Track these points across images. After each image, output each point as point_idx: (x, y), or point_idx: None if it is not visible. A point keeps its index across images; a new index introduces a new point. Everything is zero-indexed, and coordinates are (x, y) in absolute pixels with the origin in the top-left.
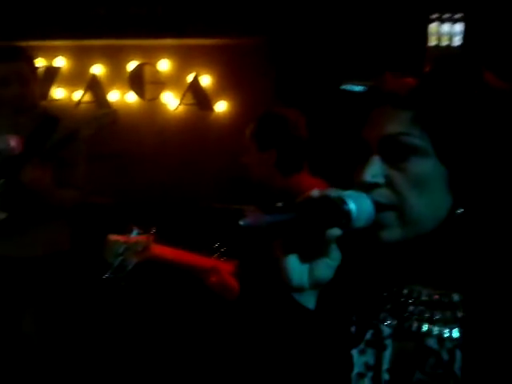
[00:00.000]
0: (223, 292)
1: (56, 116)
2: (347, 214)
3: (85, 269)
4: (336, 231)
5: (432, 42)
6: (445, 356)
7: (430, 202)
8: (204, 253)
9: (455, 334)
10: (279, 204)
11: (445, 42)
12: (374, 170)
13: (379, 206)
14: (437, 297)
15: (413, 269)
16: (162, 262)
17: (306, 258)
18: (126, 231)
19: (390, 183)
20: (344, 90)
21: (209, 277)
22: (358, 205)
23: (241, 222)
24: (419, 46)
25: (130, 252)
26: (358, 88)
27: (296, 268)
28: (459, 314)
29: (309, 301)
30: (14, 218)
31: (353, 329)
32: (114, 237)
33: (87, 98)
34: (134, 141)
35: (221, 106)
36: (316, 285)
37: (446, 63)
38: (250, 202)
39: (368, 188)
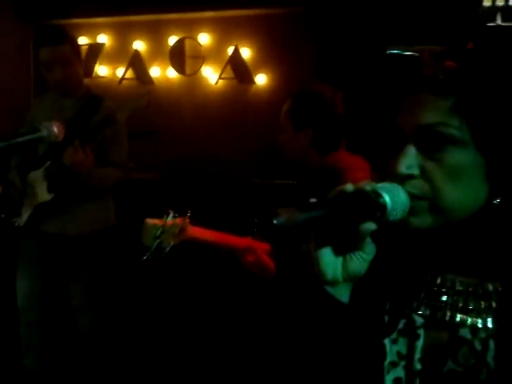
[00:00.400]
0: (260, 271)
1: (99, 97)
2: (382, 207)
3: (131, 245)
4: (371, 225)
5: (486, 2)
6: (478, 346)
7: (465, 193)
8: (241, 231)
9: (489, 324)
10: (312, 200)
11: (500, 3)
12: (409, 161)
13: (413, 197)
14: (471, 288)
15: (446, 257)
16: (199, 243)
17: (340, 251)
18: (162, 214)
19: (424, 174)
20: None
21: (245, 256)
22: (392, 197)
23: (275, 221)
24: (473, 6)
25: (166, 235)
26: (405, 53)
27: (330, 262)
28: (494, 304)
29: (343, 294)
30: (60, 199)
31: (386, 318)
32: (150, 220)
33: (130, 74)
34: (175, 116)
35: (261, 79)
36: (350, 278)
37: (488, 45)
38: (288, 178)
39: (403, 179)
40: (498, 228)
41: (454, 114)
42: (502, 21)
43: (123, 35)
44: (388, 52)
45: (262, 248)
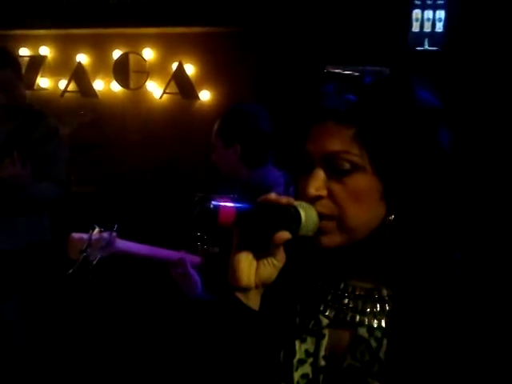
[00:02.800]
0: (185, 284)
1: (40, 112)
2: (297, 220)
3: (65, 259)
4: (285, 234)
5: (415, 28)
6: (373, 343)
7: (366, 212)
8: (183, 244)
9: (383, 324)
10: (233, 196)
11: (427, 29)
12: (317, 184)
13: (322, 216)
14: (369, 292)
15: (349, 266)
16: (129, 255)
17: (254, 258)
18: (88, 229)
19: (331, 195)
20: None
21: (175, 268)
22: (306, 213)
23: (211, 205)
24: (402, 32)
25: (93, 248)
26: (344, 72)
27: (245, 267)
28: (387, 307)
29: (252, 300)
30: None
31: (297, 320)
32: (76, 234)
33: (72, 87)
34: (119, 130)
35: (205, 95)
36: (261, 284)
37: (383, 84)
38: (230, 192)
39: (312, 200)
40: (392, 241)
41: (356, 142)
42: (429, 45)
43: (66, 47)
44: (327, 71)
45: (191, 261)
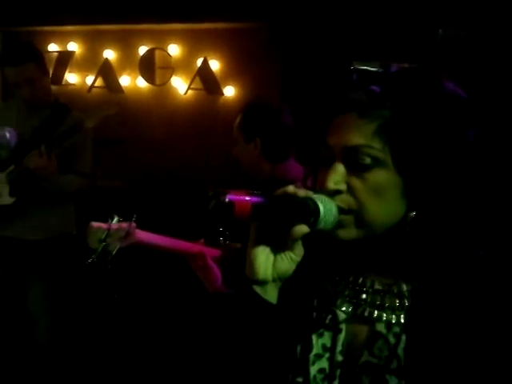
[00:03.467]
0: (206, 277)
1: (66, 106)
2: (316, 213)
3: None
4: (304, 228)
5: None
6: (391, 339)
7: (385, 209)
8: (208, 240)
9: (402, 320)
10: (256, 192)
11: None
12: (337, 178)
13: (340, 211)
14: (387, 287)
15: (368, 261)
16: (150, 247)
17: (272, 251)
18: (107, 219)
19: (350, 190)
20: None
21: (195, 261)
22: (325, 207)
23: (226, 199)
24: (431, 31)
25: (112, 238)
26: (370, 69)
27: (263, 261)
28: (406, 302)
29: (270, 293)
30: (22, 202)
31: (314, 314)
32: (95, 223)
33: (99, 82)
34: (145, 125)
35: (229, 91)
36: (279, 278)
37: (409, 75)
38: (254, 188)
39: (331, 194)
40: (412, 237)
41: (378, 136)
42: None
43: (93, 44)
44: (354, 67)
45: (211, 254)
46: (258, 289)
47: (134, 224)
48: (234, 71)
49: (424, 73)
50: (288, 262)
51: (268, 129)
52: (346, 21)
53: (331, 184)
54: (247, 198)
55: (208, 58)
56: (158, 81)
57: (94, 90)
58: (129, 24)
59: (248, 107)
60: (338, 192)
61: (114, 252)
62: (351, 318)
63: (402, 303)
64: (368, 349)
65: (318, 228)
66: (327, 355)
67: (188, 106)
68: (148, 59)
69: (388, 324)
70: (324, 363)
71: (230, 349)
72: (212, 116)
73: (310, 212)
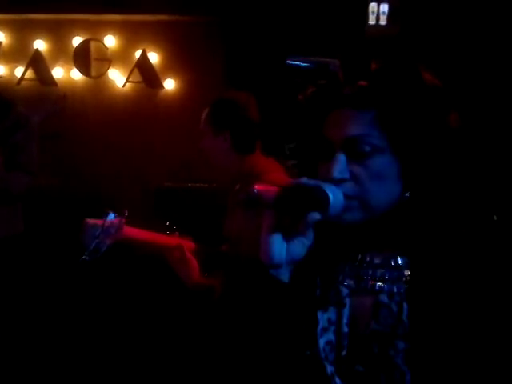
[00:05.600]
0: (183, 268)
1: (9, 101)
2: (327, 201)
3: (40, 251)
4: (316, 215)
5: (371, 20)
6: (394, 308)
7: (386, 191)
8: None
9: (402, 289)
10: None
11: (383, 22)
12: (341, 167)
13: (346, 197)
14: (386, 261)
15: (367, 241)
16: (132, 242)
17: (285, 237)
18: (102, 215)
19: (353, 177)
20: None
21: (172, 254)
22: (334, 195)
23: (254, 191)
24: (359, 25)
25: (104, 235)
26: (302, 64)
27: (278, 247)
28: (405, 273)
29: (284, 276)
30: None
31: (318, 292)
32: (90, 220)
33: (30, 74)
34: (81, 119)
35: (169, 84)
36: (292, 262)
37: (392, 68)
38: (199, 181)
39: (336, 183)
40: (407, 215)
41: (375, 125)
42: (385, 38)
43: (23, 33)
44: (287, 62)
45: (188, 246)
46: (273, 271)
47: (123, 220)
48: (174, 64)
49: (404, 66)
50: (300, 246)
51: (237, 122)
52: (282, 15)
53: (336, 173)
54: (270, 189)
55: (147, 51)
56: (93, 73)
57: (24, 82)
58: (61, 14)
59: (216, 100)
60: (342, 180)
61: (104, 249)
62: (354, 292)
63: (400, 275)
64: (374, 318)
65: (329, 215)
66: (333, 328)
67: (127, 99)
68: (83, 50)
69: (390, 294)
70: (330, 335)
71: (239, 330)
72: (151, 109)
73: (321, 201)
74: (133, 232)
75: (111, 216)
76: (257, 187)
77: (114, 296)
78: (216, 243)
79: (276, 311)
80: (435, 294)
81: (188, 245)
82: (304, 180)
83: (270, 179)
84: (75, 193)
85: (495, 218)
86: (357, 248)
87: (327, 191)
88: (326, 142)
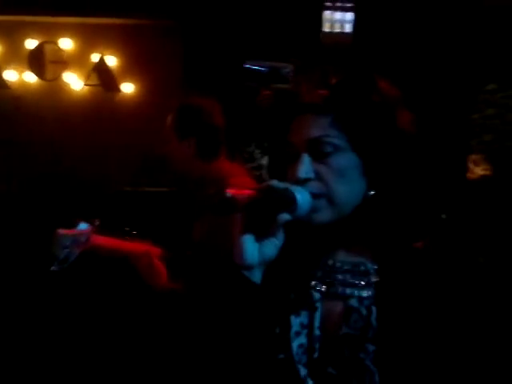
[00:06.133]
0: (151, 274)
1: None
2: (295, 202)
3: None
4: (286, 216)
5: (326, 28)
6: (364, 311)
7: (350, 188)
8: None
9: (370, 294)
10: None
11: (337, 29)
12: (306, 168)
13: (313, 196)
14: (356, 267)
15: (337, 243)
16: (101, 250)
17: (257, 238)
18: (72, 225)
19: (318, 176)
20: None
21: (140, 261)
22: (301, 196)
23: (227, 195)
24: (315, 31)
25: (74, 244)
26: (259, 68)
27: (250, 248)
28: (373, 279)
29: (256, 276)
30: None
31: (292, 295)
32: (61, 230)
33: None
34: (35, 124)
35: (127, 88)
36: (264, 262)
37: (350, 77)
38: (158, 185)
39: (302, 182)
40: (373, 216)
41: (334, 127)
42: (339, 45)
43: None
44: (245, 66)
45: (155, 253)
46: (246, 273)
47: (93, 229)
48: (132, 68)
49: (362, 78)
50: (272, 247)
51: (202, 128)
52: (240, 20)
53: (302, 174)
54: (242, 193)
55: (104, 54)
56: (48, 76)
57: None
58: (14, 15)
59: (181, 106)
60: (307, 180)
61: (73, 259)
62: (326, 296)
63: (368, 280)
64: (345, 322)
65: (297, 215)
66: (305, 331)
67: (83, 103)
68: (37, 53)
69: (359, 299)
70: (302, 339)
71: (217, 330)
72: (109, 113)
73: (290, 201)
74: (100, 240)
75: (83, 226)
76: (229, 191)
77: (83, 304)
78: (177, 248)
79: (248, 313)
80: (402, 298)
81: (155, 251)
82: (274, 183)
83: (236, 183)
84: (29, 199)
85: (443, 216)
86: (327, 252)
87: (295, 192)
88: (291, 146)
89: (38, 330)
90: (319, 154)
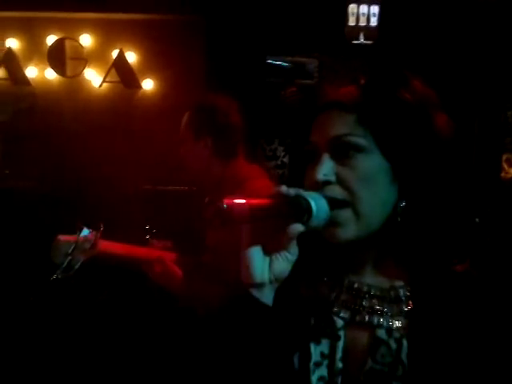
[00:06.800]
0: (167, 281)
1: None
2: (309, 211)
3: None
4: (299, 227)
5: (351, 22)
6: (393, 345)
7: (377, 195)
8: (135, 238)
9: (402, 324)
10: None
11: (363, 23)
12: (326, 169)
13: (334, 202)
14: (385, 293)
15: (364, 262)
16: (109, 257)
17: (267, 253)
18: (75, 230)
19: (340, 180)
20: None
21: (153, 268)
22: (317, 203)
23: (224, 205)
24: (339, 25)
25: (78, 251)
26: (282, 63)
27: (259, 263)
28: (404, 308)
29: (267, 296)
30: None
31: (312, 321)
32: (63, 237)
33: (2, 73)
34: (56, 120)
35: (148, 85)
36: (275, 279)
37: (380, 72)
38: (179, 184)
39: (321, 186)
40: (404, 230)
41: (359, 125)
42: (365, 39)
43: None
44: (267, 61)
45: (169, 258)
46: (255, 292)
47: (99, 234)
48: (153, 64)
49: (392, 73)
50: (284, 262)
51: (218, 128)
52: (263, 14)
53: (320, 175)
54: (243, 201)
55: (124, 50)
56: (69, 72)
57: None
58: (35, 11)
59: (196, 106)
60: (327, 183)
61: (78, 266)
62: (350, 325)
63: (399, 308)
64: (371, 355)
65: (312, 225)
66: (326, 362)
67: (103, 100)
68: (57, 49)
69: (388, 330)
70: (323, 371)
71: (227, 357)
72: (129, 110)
73: (303, 210)
74: (109, 246)
75: (85, 232)
76: (226, 201)
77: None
78: (197, 250)
79: (260, 339)
80: (439, 332)
81: (169, 256)
82: (283, 189)
83: (254, 186)
84: (49, 196)
85: (477, 220)
86: (352, 272)
87: (308, 199)
88: (311, 146)
89: (40, 339)
90: (341, 154)
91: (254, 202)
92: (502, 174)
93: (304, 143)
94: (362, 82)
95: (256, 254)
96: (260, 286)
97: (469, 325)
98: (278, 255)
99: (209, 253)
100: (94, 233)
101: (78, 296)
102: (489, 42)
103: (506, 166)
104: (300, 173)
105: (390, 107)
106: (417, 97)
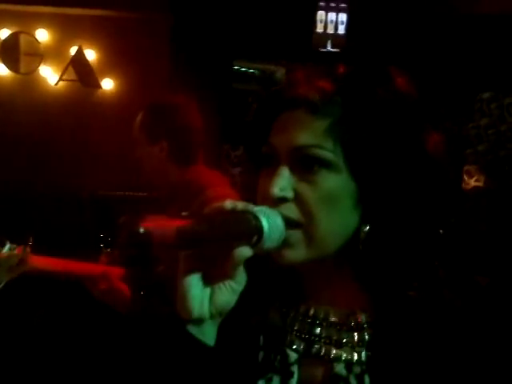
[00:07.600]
0: (114, 300)
1: None
2: (259, 231)
3: None
4: (246, 251)
5: (319, 28)
6: (353, 382)
7: (338, 220)
8: (90, 247)
9: (363, 357)
10: (184, 213)
11: (330, 30)
12: (283, 183)
13: (287, 222)
14: (344, 319)
15: (320, 288)
16: (43, 273)
17: (207, 282)
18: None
19: (298, 197)
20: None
21: (97, 285)
22: (270, 222)
23: (140, 229)
24: (307, 32)
25: (1, 268)
26: (250, 70)
27: (197, 295)
28: (366, 337)
29: (208, 334)
30: None
31: (260, 355)
32: None
33: None
34: (7, 119)
35: (107, 84)
36: (218, 313)
37: (362, 73)
38: (137, 190)
39: (276, 202)
40: (367, 256)
41: (329, 136)
42: (332, 47)
43: None
44: (234, 67)
45: (116, 273)
46: (192, 329)
47: (28, 249)
48: (113, 63)
49: (375, 69)
50: (228, 293)
51: (174, 130)
52: (231, 16)
53: (276, 190)
54: (168, 224)
55: (83, 47)
56: (23, 69)
57: None
58: None
59: (151, 106)
60: (283, 200)
61: (1, 286)
62: (304, 358)
63: (361, 338)
64: None
65: (263, 248)
66: None
67: (59, 99)
68: (11, 44)
69: (348, 364)
70: None
71: None
72: (87, 110)
73: (251, 230)
74: (43, 262)
75: (7, 247)
76: (144, 225)
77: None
78: (147, 265)
79: (201, 381)
80: (405, 364)
81: (115, 271)
82: (227, 204)
83: (215, 194)
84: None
85: (441, 232)
86: (307, 298)
87: (259, 217)
88: (270, 149)
89: None
90: (304, 168)
91: (184, 223)
92: (463, 185)
93: (262, 144)
94: (341, 72)
95: (194, 284)
96: (199, 321)
97: (436, 356)
98: (221, 285)
99: (162, 265)
100: (21, 247)
101: (8, 317)
102: (451, 55)
103: (466, 177)
104: (255, 181)
105: (372, 118)
106: (400, 110)
